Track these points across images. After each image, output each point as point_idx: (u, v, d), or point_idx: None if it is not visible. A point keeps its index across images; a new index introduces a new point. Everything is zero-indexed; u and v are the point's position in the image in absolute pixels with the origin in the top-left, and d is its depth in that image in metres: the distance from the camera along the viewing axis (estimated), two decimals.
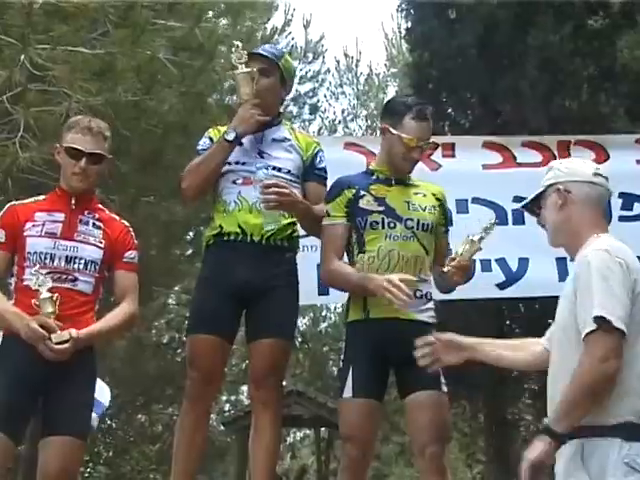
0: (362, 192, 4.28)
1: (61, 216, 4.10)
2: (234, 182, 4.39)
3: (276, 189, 4.15)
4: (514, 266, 6.25)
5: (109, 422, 25.00)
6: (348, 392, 4.14)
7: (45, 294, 3.88)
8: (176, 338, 22.19)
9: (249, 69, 4.38)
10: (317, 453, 23.96)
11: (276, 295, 4.33)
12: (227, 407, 26.79)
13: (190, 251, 15.10)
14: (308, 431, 27.70)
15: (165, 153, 9.93)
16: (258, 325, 4.33)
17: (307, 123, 25.67)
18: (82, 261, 4.07)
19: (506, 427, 18.05)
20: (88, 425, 4.15)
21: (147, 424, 25.69)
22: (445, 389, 4.14)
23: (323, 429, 21.91)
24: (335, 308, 27.34)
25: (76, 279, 4.04)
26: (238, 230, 4.32)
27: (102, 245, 4.14)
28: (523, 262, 6.25)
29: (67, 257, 4.04)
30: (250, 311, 4.37)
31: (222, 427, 21.53)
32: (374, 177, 4.35)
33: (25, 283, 4.00)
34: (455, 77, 16.18)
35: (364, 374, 4.12)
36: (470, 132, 14.96)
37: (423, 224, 4.24)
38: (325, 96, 28.79)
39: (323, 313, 28.43)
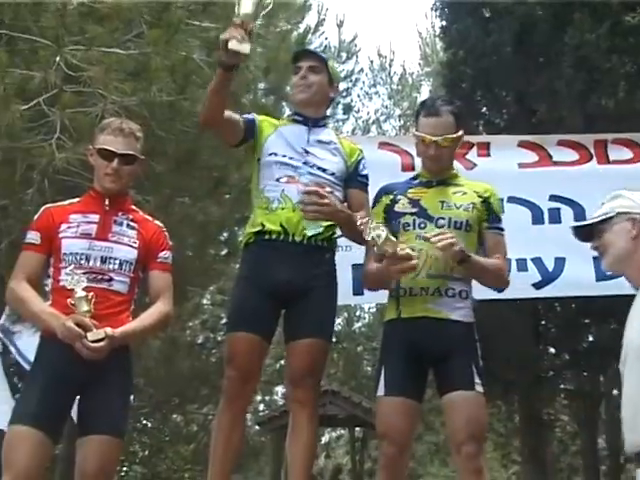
0: (399, 197, 4.33)
1: (96, 217, 4.14)
2: (278, 180, 4.39)
3: (316, 199, 4.14)
4: (550, 266, 6.21)
5: (144, 422, 25.18)
6: (381, 391, 4.17)
7: (80, 293, 3.90)
8: (211, 338, 22.28)
9: None
10: (351, 453, 24.03)
11: (316, 295, 4.34)
12: (262, 407, 26.84)
13: (225, 251, 15.11)
14: (343, 431, 27.74)
15: (200, 153, 9.95)
16: (297, 325, 4.34)
17: (341, 123, 25.68)
18: (117, 261, 4.09)
19: (542, 427, 17.96)
20: (125, 424, 4.17)
21: (182, 424, 25.83)
22: (480, 389, 4.12)
23: (358, 429, 21.94)
24: (369, 308, 27.40)
25: (111, 279, 4.07)
26: (280, 229, 4.33)
27: (136, 245, 4.16)
28: (559, 261, 6.21)
29: (102, 257, 4.07)
30: (289, 311, 4.38)
31: (257, 427, 21.58)
32: (417, 181, 4.40)
33: (61, 284, 4.03)
34: (490, 75, 16.12)
35: (397, 372, 4.14)
36: (505, 131, 14.92)
37: (456, 222, 4.23)
38: (359, 96, 28.81)
39: (357, 313, 28.47)
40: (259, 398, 26.67)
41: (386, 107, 30.38)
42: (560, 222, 6.26)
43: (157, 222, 4.35)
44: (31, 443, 3.82)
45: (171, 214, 10.10)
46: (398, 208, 4.31)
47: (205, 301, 20.78)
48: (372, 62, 30.61)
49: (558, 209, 6.31)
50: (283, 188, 4.37)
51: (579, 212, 6.22)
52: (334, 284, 4.50)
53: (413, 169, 6.17)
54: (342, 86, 23.43)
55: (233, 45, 3.96)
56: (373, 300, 10.04)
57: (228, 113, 4.38)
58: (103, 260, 4.07)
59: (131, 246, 4.15)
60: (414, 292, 4.16)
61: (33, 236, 4.14)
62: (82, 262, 4.04)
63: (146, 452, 26.30)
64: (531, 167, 6.51)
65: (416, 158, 6.25)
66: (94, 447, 3.95)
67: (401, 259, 4.01)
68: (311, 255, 4.37)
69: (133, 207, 4.31)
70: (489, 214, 4.36)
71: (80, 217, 4.13)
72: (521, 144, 6.63)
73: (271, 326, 4.40)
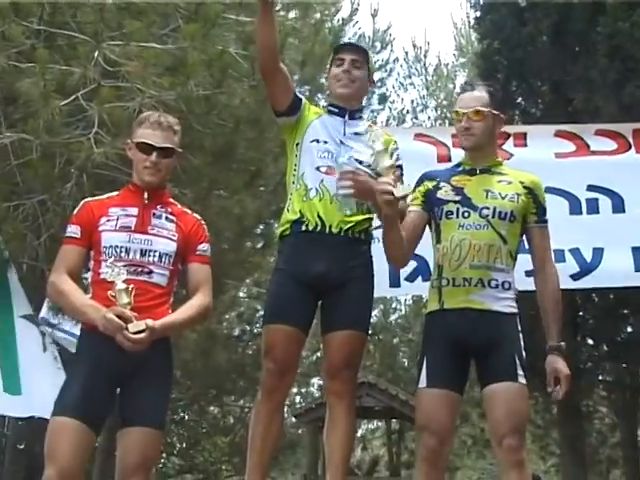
0: (442, 183, 4.31)
1: (134, 210, 4.17)
2: (318, 168, 4.41)
3: (353, 176, 4.15)
4: (588, 256, 6.17)
5: (182, 414, 25.34)
6: (422, 382, 4.15)
7: (120, 285, 3.94)
8: (247, 331, 22.34)
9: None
10: (388, 445, 24.03)
11: (352, 287, 4.34)
12: (298, 399, 26.92)
13: (261, 244, 15.17)
14: (379, 423, 27.75)
15: (236, 147, 9.99)
16: (334, 317, 4.34)
17: (376, 113, 25.62)
18: (156, 254, 4.12)
19: (580, 419, 17.86)
20: (165, 416, 4.21)
21: (219, 416, 25.97)
22: (523, 381, 4.10)
23: (394, 421, 21.92)
24: (405, 300, 27.35)
25: (151, 272, 4.10)
26: (317, 220, 4.34)
27: (175, 238, 4.18)
28: (597, 252, 6.16)
29: (142, 250, 4.10)
30: (326, 303, 4.39)
31: (293, 419, 21.65)
32: (460, 169, 4.38)
33: (101, 276, 4.06)
34: (525, 65, 16.05)
35: (439, 364, 4.12)
36: (541, 121, 14.84)
37: (500, 212, 4.19)
38: (393, 86, 28.73)
39: (393, 305, 28.43)
40: (295, 390, 26.76)
41: (422, 98, 30.29)
42: (598, 212, 6.22)
43: (195, 215, 4.37)
44: (74, 435, 3.86)
45: (208, 207, 10.15)
46: (441, 195, 4.29)
47: (241, 294, 20.86)
48: (407, 53, 30.53)
49: (596, 199, 6.26)
50: (322, 178, 4.39)
51: (617, 202, 6.18)
52: (371, 276, 4.51)
53: (449, 160, 6.17)
54: (377, 76, 23.40)
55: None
56: (409, 292, 10.04)
57: (284, 69, 4.43)
58: (143, 253, 4.10)
59: (170, 239, 4.17)
60: (457, 283, 4.15)
61: (73, 230, 4.18)
62: (122, 255, 4.07)
63: (184, 444, 26.48)
64: (568, 157, 6.47)
65: (452, 149, 6.29)
66: (135, 439, 3.98)
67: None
68: (348, 247, 4.38)
69: (171, 200, 4.35)
70: (537, 207, 4.34)
71: (119, 210, 4.17)
72: (558, 134, 6.59)
73: (308, 318, 4.41)
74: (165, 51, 8.41)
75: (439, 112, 29.45)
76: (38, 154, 8.43)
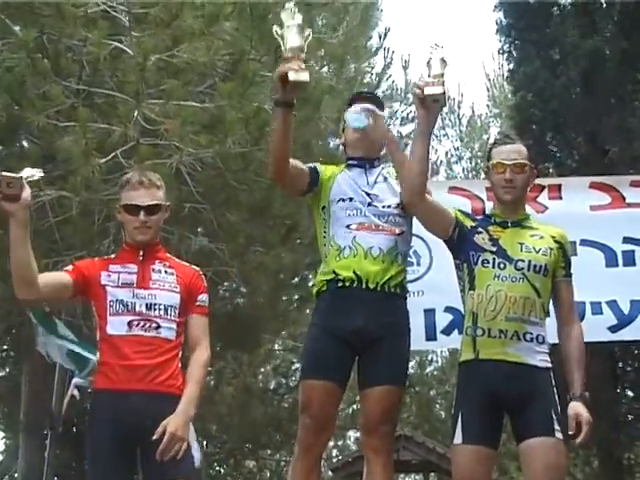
0: (480, 229, 4.30)
1: (134, 267, 4.21)
2: (348, 227, 4.41)
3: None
4: (626, 308, 6.13)
5: (218, 468, 25.24)
6: (458, 438, 4.10)
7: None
8: (283, 384, 22.31)
9: (299, 23, 4.08)
10: None
11: (390, 342, 4.32)
12: (334, 452, 26.72)
13: (296, 296, 15.20)
14: (417, 477, 27.43)
15: (273, 202, 10.09)
16: (372, 372, 4.32)
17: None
18: (162, 306, 4.15)
19: (621, 472, 17.55)
20: (194, 469, 4.20)
21: (255, 470, 25.83)
22: (560, 435, 4.05)
23: (432, 474, 21.66)
24: (441, 352, 27.14)
25: (159, 326, 4.12)
26: (353, 276, 4.34)
27: (178, 290, 4.21)
28: (635, 304, 6.13)
29: (147, 304, 4.13)
30: (363, 358, 4.37)
31: (330, 473, 21.48)
32: (492, 220, 4.37)
33: (108, 333, 4.11)
34: (560, 117, 16.07)
35: (473, 420, 4.08)
36: (576, 172, 14.80)
37: (535, 265, 4.19)
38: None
39: (429, 357, 28.22)
40: (332, 443, 26.56)
41: (456, 149, 30.36)
42: (635, 264, 6.19)
43: (193, 266, 4.41)
44: None
45: (245, 262, 10.25)
46: (478, 241, 4.28)
47: (276, 347, 20.85)
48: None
49: (632, 251, 6.24)
50: (354, 235, 4.39)
51: None
52: (407, 330, 4.49)
53: (484, 214, 6.18)
54: (409, 128, 23.51)
55: (293, 76, 3.95)
56: (446, 345, 9.99)
57: (293, 162, 4.40)
58: (148, 307, 4.13)
59: (173, 291, 4.20)
60: (492, 334, 4.12)
61: (67, 267, 4.25)
62: (128, 309, 4.12)
63: None
64: (603, 209, 6.45)
65: (486, 202, 6.30)
66: None
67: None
68: (384, 302, 4.37)
69: (167, 255, 4.38)
70: (565, 261, 4.32)
71: (119, 267, 4.21)
72: (593, 185, 6.58)
73: (345, 373, 4.39)
74: (203, 109, 8.54)
75: (473, 163, 29.50)
76: (77, 211, 8.56)
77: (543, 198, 6.43)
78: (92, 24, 8.27)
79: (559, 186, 6.58)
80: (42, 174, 3.78)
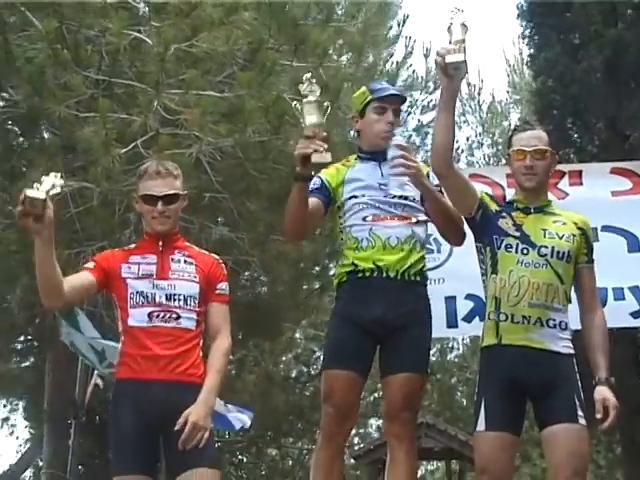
0: (504, 214, 4.30)
1: (153, 258, 4.22)
2: (364, 219, 4.42)
3: (403, 159, 4.20)
4: None
5: (240, 456, 25.34)
6: (481, 425, 4.11)
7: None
8: (304, 372, 22.34)
9: (318, 98, 4.09)
10: None
11: (411, 330, 4.34)
12: (356, 440, 26.74)
13: (317, 285, 15.22)
14: (439, 463, 27.43)
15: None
16: (393, 360, 4.34)
17: (429, 153, 25.53)
18: (181, 297, 4.16)
19: None
20: (216, 456, 4.21)
21: (278, 458, 25.89)
22: (583, 422, 4.05)
23: (454, 461, 21.65)
24: (463, 339, 27.08)
25: (179, 316, 4.13)
26: (373, 267, 4.35)
27: (197, 279, 4.21)
28: None
29: (167, 295, 4.14)
30: (385, 346, 4.39)
31: (352, 460, 21.52)
32: (514, 206, 4.36)
33: (130, 324, 4.13)
34: (580, 102, 15.97)
35: (497, 407, 4.08)
36: (597, 158, 14.74)
37: (558, 252, 4.18)
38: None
39: (450, 344, 28.17)
40: (354, 431, 26.59)
41: (476, 135, 30.22)
42: None
43: (213, 255, 4.41)
44: None
45: (266, 251, 10.26)
46: (502, 225, 4.28)
47: (298, 335, 20.89)
48: (460, 91, 30.48)
49: None
50: (371, 227, 4.40)
51: None
52: (428, 318, 4.50)
53: (504, 201, 6.18)
54: (430, 116, 23.43)
55: (317, 158, 3.97)
56: (467, 332, 9.99)
57: (310, 207, 4.35)
58: (168, 297, 4.14)
59: (192, 281, 4.21)
60: (515, 319, 4.12)
61: (88, 264, 4.28)
62: (148, 301, 4.13)
63: None
64: (625, 195, 6.43)
65: (507, 189, 6.29)
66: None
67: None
68: (405, 290, 4.38)
69: (187, 244, 4.39)
70: (588, 248, 4.31)
71: (139, 258, 4.22)
72: (613, 171, 6.56)
73: (367, 362, 4.41)
74: (222, 98, 8.55)
75: (494, 149, 29.38)
76: (98, 201, 8.60)
77: (564, 184, 6.42)
78: (111, 14, 8.28)
79: (580, 172, 6.57)
80: (62, 182, 3.77)
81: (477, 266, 4.41)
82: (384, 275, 4.35)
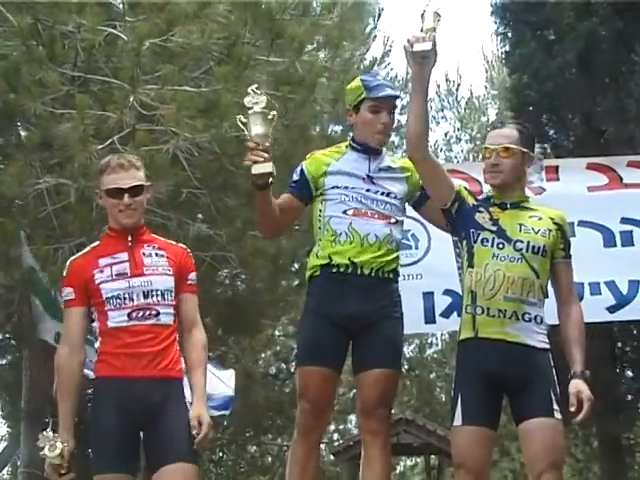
0: (482, 208, 4.30)
1: (124, 255, 4.15)
2: (345, 212, 4.39)
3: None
4: (624, 289, 6.15)
5: (220, 453, 25.31)
6: (458, 420, 4.11)
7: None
8: (284, 369, 22.36)
9: (263, 109, 4.10)
10: None
11: (383, 326, 4.34)
12: (336, 436, 26.79)
13: (296, 282, 15.22)
14: (418, 459, 27.52)
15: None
16: (366, 356, 4.34)
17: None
18: (159, 292, 4.12)
19: (621, 452, 17.64)
20: (194, 451, 4.14)
21: (258, 455, 25.89)
22: (559, 416, 4.07)
23: (433, 457, 21.73)
24: (441, 335, 27.19)
25: (158, 313, 4.10)
26: (348, 263, 4.34)
27: (171, 272, 4.18)
28: (634, 284, 6.14)
29: (144, 292, 4.10)
30: (358, 342, 4.38)
31: (332, 456, 21.56)
32: (491, 201, 4.35)
33: (109, 326, 4.08)
34: (556, 98, 16.06)
35: (473, 401, 4.09)
36: (573, 153, 14.82)
37: (534, 246, 4.19)
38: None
39: (429, 340, 28.28)
40: (333, 427, 26.64)
41: (456, 130, 30.32)
42: (633, 245, 6.20)
43: (180, 244, 4.39)
44: None
45: (243, 247, 10.23)
46: (479, 219, 4.28)
47: (277, 332, 20.88)
48: (439, 87, 30.57)
49: (630, 231, 6.25)
50: (350, 221, 4.37)
51: None
52: (401, 314, 4.50)
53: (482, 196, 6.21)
54: None
55: (256, 169, 4.05)
56: (445, 328, 10.01)
57: (281, 202, 4.40)
58: (145, 294, 4.10)
59: (167, 274, 4.17)
60: (491, 313, 4.12)
61: (67, 292, 4.18)
62: (126, 301, 4.08)
63: None
64: (601, 190, 6.45)
65: (484, 185, 6.30)
66: (172, 475, 3.98)
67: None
68: (378, 287, 4.38)
69: (153, 235, 4.35)
70: (564, 243, 4.32)
71: (109, 259, 4.14)
72: (590, 166, 6.58)
73: (341, 358, 4.41)
74: (198, 94, 8.52)
75: (472, 145, 29.49)
76: (75, 198, 8.55)
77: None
78: (86, 10, 8.22)
79: (556, 167, 6.58)
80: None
81: (455, 262, 4.42)
82: (359, 272, 4.34)
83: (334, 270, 4.37)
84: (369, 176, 4.45)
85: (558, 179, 6.48)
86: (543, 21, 16.72)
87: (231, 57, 8.70)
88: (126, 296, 4.08)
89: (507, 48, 18.31)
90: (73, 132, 7.99)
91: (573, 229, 6.12)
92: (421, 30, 3.99)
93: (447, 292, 6.06)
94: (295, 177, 4.50)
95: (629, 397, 17.18)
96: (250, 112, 4.05)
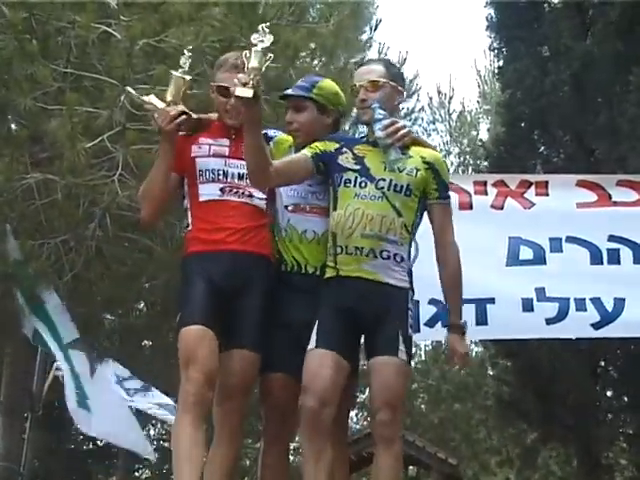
0: (345, 149, 4.24)
1: (226, 141, 4.22)
2: (286, 207, 4.33)
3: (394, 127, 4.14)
4: (610, 306, 6.15)
5: None
6: (312, 344, 4.03)
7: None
8: None
9: (182, 75, 4.22)
10: None
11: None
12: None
13: None
14: None
15: None
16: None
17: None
18: None
19: (600, 471, 17.65)
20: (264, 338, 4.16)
21: None
22: (404, 356, 4.02)
23: (411, 467, 21.71)
24: (425, 346, 27.19)
25: (252, 194, 4.16)
26: (292, 260, 4.28)
27: None
28: (619, 302, 6.15)
29: (239, 174, 4.15)
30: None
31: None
32: (364, 139, 4.30)
33: (201, 199, 4.14)
34: (548, 115, 16.11)
35: (328, 327, 4.03)
36: (562, 170, 14.85)
37: (396, 185, 4.12)
38: (417, 133, 28.74)
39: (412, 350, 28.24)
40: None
41: (446, 143, 30.35)
42: (619, 263, 6.21)
43: None
44: (210, 341, 3.97)
45: None
46: (342, 161, 4.20)
47: None
48: (431, 99, 30.57)
49: (617, 250, 6.26)
50: (289, 217, 4.32)
51: (639, 253, 6.19)
52: None
53: (470, 208, 6.21)
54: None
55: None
56: (429, 337, 10.06)
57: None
58: (240, 176, 4.15)
59: None
60: (349, 251, 4.07)
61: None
62: (220, 177, 4.14)
63: None
64: (590, 207, 6.47)
65: (474, 196, 6.31)
66: (237, 362, 4.08)
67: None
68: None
69: None
70: (438, 183, 4.23)
71: (210, 140, 4.22)
72: (580, 183, 6.60)
73: (299, 363, 4.24)
74: (190, 95, 8.48)
75: (462, 159, 29.53)
76: (62, 194, 8.52)
77: (530, 194, 6.45)
78: (81, 7, 8.21)
79: (546, 183, 6.61)
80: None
81: None
82: (303, 271, 4.28)
83: (282, 268, 4.33)
84: None
85: (547, 194, 6.50)
86: (538, 38, 16.80)
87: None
88: (220, 172, 4.16)
89: (501, 63, 18.38)
90: (62, 129, 7.97)
91: (561, 244, 6.17)
92: (244, 70, 3.81)
93: (432, 301, 6.05)
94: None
95: (609, 416, 17.21)
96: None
